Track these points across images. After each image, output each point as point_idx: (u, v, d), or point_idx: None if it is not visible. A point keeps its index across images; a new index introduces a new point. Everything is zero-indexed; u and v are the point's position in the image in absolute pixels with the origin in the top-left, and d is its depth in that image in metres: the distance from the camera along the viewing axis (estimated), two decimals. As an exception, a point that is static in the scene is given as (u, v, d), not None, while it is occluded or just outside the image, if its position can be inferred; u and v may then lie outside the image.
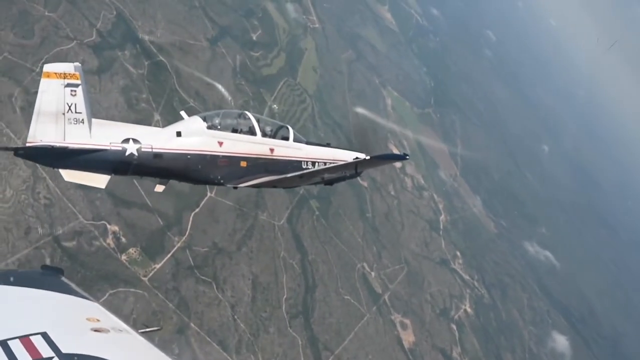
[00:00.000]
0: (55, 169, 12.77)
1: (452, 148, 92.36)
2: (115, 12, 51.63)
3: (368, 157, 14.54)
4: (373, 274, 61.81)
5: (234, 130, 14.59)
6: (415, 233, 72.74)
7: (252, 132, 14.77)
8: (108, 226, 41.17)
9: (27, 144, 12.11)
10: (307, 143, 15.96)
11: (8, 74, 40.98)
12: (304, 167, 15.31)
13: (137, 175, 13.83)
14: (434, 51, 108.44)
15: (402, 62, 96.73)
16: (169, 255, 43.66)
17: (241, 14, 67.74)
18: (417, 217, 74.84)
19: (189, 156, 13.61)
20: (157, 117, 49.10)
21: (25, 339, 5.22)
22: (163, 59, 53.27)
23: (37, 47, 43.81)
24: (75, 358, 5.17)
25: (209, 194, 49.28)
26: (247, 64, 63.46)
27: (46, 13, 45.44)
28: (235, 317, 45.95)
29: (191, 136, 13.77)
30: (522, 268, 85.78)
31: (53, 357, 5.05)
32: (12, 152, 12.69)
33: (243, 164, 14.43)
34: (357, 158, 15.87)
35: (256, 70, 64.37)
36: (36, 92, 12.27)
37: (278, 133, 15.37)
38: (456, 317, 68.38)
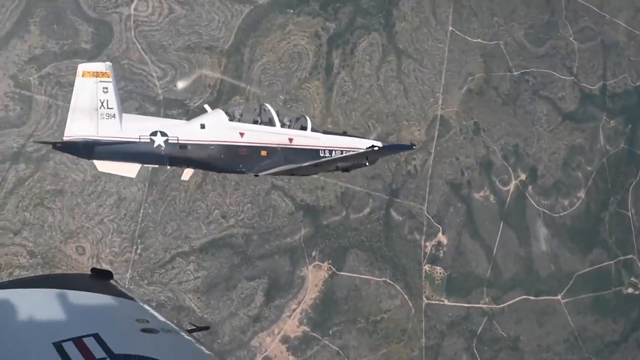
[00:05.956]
0: (90, 160, 13.51)
1: None
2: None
3: (377, 148, 15.04)
4: None
5: (255, 122, 14.92)
6: None
7: (271, 123, 15.03)
8: (441, 236, 37.47)
9: (65, 138, 12.78)
10: (324, 132, 16.18)
11: None
12: (321, 155, 15.55)
13: (165, 165, 14.48)
14: None
15: None
16: (467, 305, 37.91)
17: None
18: None
19: (212, 147, 14.19)
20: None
21: (78, 341, 5.24)
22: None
23: None
24: (127, 359, 5.20)
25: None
26: None
27: None
28: None
29: (214, 128, 14.29)
30: None
31: (105, 358, 5.07)
32: (52, 145, 13.57)
33: (263, 153, 14.77)
34: (373, 146, 15.93)
35: None
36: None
37: (296, 123, 15.54)
38: None
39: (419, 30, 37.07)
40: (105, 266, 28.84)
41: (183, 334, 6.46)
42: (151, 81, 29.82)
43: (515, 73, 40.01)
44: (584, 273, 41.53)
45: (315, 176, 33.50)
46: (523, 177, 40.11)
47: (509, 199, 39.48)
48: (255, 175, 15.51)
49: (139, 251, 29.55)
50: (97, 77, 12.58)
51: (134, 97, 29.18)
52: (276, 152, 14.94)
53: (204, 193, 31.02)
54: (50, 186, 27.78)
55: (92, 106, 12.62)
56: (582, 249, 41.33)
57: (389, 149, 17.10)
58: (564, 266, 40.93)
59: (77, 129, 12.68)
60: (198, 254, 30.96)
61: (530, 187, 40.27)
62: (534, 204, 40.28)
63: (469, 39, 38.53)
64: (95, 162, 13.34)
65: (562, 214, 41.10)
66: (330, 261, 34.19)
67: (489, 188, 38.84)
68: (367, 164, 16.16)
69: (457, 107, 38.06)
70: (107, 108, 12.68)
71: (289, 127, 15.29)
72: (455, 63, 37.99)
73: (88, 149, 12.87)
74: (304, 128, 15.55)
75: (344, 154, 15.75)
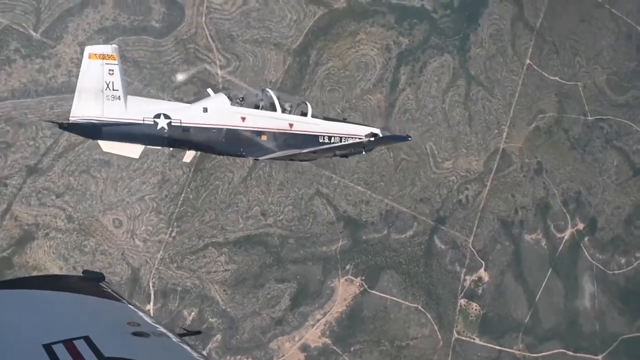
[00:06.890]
0: (95, 141, 13.61)
1: None
2: None
3: (372, 139, 15.44)
4: None
5: (256, 107, 14.90)
6: None
7: (272, 108, 15.00)
8: (483, 272, 35.75)
9: (71, 119, 12.88)
10: (324, 119, 16.19)
11: None
12: (320, 141, 15.63)
13: (168, 146, 14.64)
14: None
15: None
16: (498, 347, 36.05)
17: None
18: None
19: (214, 130, 14.26)
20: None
21: (68, 343, 5.20)
22: None
23: None
24: None
25: None
26: None
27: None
28: None
29: (216, 112, 14.28)
30: None
31: None
32: (58, 125, 13.55)
33: (264, 137, 14.81)
34: (370, 133, 16.18)
35: None
36: None
37: (297, 109, 15.59)
38: None
39: (494, 58, 35.61)
40: (138, 243, 28.88)
41: (174, 338, 6.31)
42: (213, 69, 29.66)
43: (589, 118, 37.87)
44: (631, 337, 38.84)
45: (361, 189, 32.70)
46: (581, 226, 37.89)
47: (561, 246, 37.38)
48: (256, 160, 15.72)
49: (173, 234, 29.40)
50: (103, 59, 12.72)
51: (194, 81, 29.07)
52: (276, 137, 15.05)
53: (247, 187, 30.62)
54: (98, 156, 27.98)
55: (98, 88, 12.72)
56: (632, 311, 38.65)
57: (386, 139, 17.54)
58: (609, 326, 38.36)
59: (83, 109, 12.83)
60: (231, 246, 30.57)
61: (586, 239, 38.01)
62: (588, 257, 37.96)
63: (546, 75, 36.75)
64: (100, 142, 13.52)
65: (616, 272, 38.57)
66: (363, 277, 33.17)
67: (542, 232, 36.86)
68: (364, 152, 16.51)
69: (522, 143, 36.32)
70: (113, 90, 12.84)
71: (290, 112, 15.38)
72: (527, 98, 36.28)
73: (93, 130, 13.08)
74: (304, 114, 15.62)
75: (343, 141, 15.96)
